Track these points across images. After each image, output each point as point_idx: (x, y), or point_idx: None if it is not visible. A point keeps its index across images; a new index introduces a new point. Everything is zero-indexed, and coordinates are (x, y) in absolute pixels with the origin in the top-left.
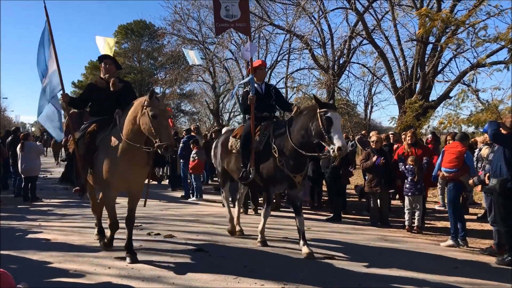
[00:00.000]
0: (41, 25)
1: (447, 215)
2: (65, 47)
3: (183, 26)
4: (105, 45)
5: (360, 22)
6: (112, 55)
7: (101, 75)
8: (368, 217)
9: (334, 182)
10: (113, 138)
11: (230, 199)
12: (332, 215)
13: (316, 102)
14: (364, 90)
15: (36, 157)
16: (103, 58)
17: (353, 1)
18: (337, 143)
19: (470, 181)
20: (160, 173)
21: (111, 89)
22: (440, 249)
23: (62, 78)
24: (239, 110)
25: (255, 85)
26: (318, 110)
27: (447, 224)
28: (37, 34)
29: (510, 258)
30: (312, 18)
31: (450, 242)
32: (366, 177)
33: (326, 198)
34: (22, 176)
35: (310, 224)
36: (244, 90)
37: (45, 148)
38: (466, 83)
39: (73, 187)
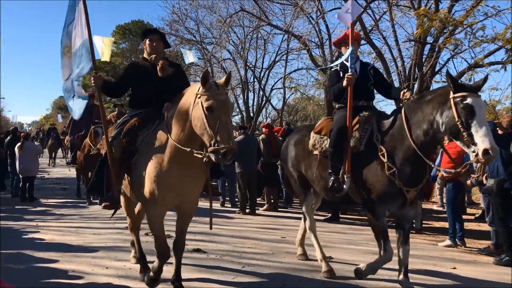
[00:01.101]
0: (41, 26)
1: (445, 215)
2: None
3: (181, 26)
4: (103, 45)
5: (358, 23)
6: (109, 55)
7: (145, 55)
8: (366, 218)
9: None
10: (159, 138)
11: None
12: (330, 215)
13: (451, 82)
14: None
15: (35, 157)
16: (148, 33)
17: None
18: (482, 143)
19: (468, 182)
20: None
21: (159, 74)
22: (438, 249)
23: (60, 78)
24: (237, 110)
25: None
26: (451, 95)
27: (445, 224)
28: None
29: (508, 258)
30: (310, 18)
31: (448, 242)
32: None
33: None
34: (20, 176)
35: None
36: (333, 69)
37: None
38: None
39: (102, 200)
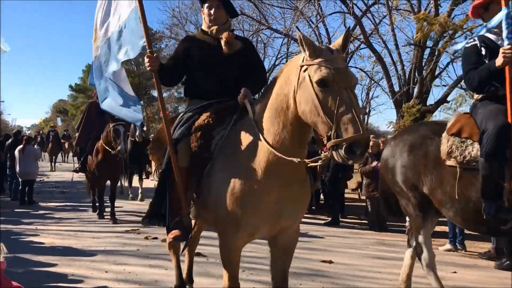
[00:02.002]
0: (41, 26)
1: (445, 219)
2: (63, 50)
3: (181, 29)
4: None
5: (357, 26)
6: None
7: (204, 27)
8: (366, 221)
9: (333, 185)
10: (244, 140)
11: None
12: (329, 219)
13: None
14: (362, 94)
15: (34, 161)
16: None
17: (351, 6)
18: None
19: None
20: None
21: (224, 50)
22: (438, 253)
23: (61, 81)
24: None
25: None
26: None
27: (445, 228)
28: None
29: (508, 262)
30: (310, 22)
31: (448, 246)
32: (364, 182)
33: (322, 201)
34: (20, 180)
35: (308, 228)
36: (469, 44)
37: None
38: (464, 87)
39: (164, 227)
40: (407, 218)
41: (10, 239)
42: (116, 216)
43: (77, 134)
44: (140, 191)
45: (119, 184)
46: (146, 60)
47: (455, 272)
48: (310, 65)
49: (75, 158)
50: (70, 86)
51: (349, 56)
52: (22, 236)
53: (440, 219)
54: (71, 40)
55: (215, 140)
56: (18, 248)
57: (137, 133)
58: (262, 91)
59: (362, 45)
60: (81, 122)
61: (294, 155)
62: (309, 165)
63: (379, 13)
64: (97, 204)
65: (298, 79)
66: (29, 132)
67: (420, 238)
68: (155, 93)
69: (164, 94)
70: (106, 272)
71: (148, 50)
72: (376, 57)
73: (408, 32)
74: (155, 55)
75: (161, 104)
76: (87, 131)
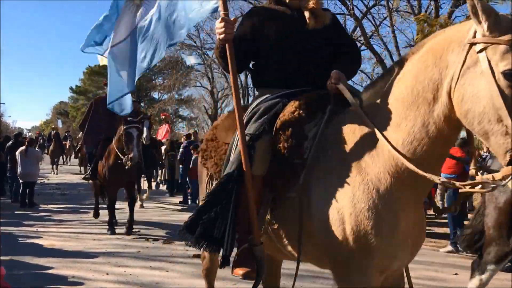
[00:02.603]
0: (41, 28)
1: (446, 221)
2: (63, 52)
3: None
4: None
5: (358, 28)
6: None
7: None
8: None
9: None
10: (350, 139)
11: None
12: None
13: None
14: None
15: (35, 163)
16: None
17: (351, 7)
18: None
19: None
20: (159, 177)
21: (309, 24)
22: (439, 255)
23: (61, 83)
24: None
25: None
26: None
27: (446, 230)
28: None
29: (509, 264)
30: None
31: (449, 248)
32: None
33: None
34: (20, 181)
35: None
36: None
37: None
38: None
39: (215, 253)
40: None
41: (11, 241)
42: (128, 225)
43: (80, 134)
44: (144, 196)
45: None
46: (220, 26)
47: (456, 274)
48: (492, 44)
49: (77, 161)
50: (71, 88)
51: None
52: (22, 238)
53: (440, 220)
54: (72, 41)
55: (308, 140)
56: (19, 250)
57: (144, 135)
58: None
59: (363, 47)
60: (85, 120)
61: (431, 169)
62: (462, 190)
63: (379, 14)
64: (98, 209)
65: (464, 62)
66: (29, 134)
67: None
68: (155, 94)
69: (165, 96)
70: (107, 274)
71: (222, 12)
72: (377, 59)
73: (409, 33)
74: (233, 18)
75: (234, 84)
76: (94, 131)
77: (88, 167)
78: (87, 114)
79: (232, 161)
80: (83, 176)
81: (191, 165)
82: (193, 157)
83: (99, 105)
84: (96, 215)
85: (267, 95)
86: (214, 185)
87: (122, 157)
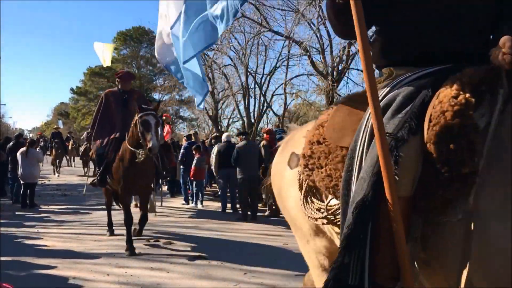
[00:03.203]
0: (43, 28)
1: None
2: (64, 53)
3: None
4: (104, 51)
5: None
6: (110, 61)
7: None
8: None
9: None
10: None
11: None
12: None
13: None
14: None
15: (36, 164)
16: None
17: None
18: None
19: None
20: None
21: None
22: None
23: (62, 84)
24: (238, 116)
25: None
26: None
27: None
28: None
29: None
30: (311, 24)
31: None
32: None
33: None
34: (21, 182)
35: None
36: None
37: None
38: None
39: None
40: None
41: (12, 242)
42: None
43: (85, 134)
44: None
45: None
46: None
47: None
48: None
49: (77, 162)
50: (72, 89)
51: (350, 58)
52: (23, 239)
53: None
54: (73, 42)
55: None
56: (20, 251)
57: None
58: None
59: None
60: (96, 116)
61: None
62: None
63: None
64: (112, 224)
65: None
66: (30, 135)
67: None
68: (155, 95)
69: (165, 97)
70: (108, 275)
71: None
72: None
73: None
74: None
75: (364, 50)
76: (105, 129)
77: (97, 171)
78: (98, 110)
79: (362, 177)
80: (88, 180)
81: (193, 166)
82: (195, 158)
83: (110, 99)
84: (111, 232)
85: (406, 74)
86: (340, 215)
87: (138, 152)
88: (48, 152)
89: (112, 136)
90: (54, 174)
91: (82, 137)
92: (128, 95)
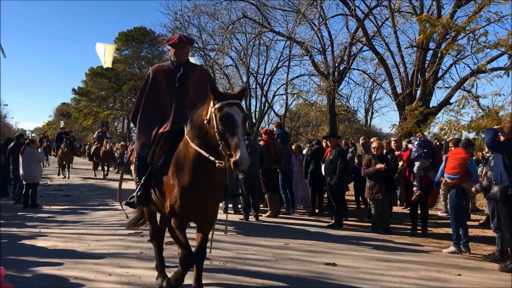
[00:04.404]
0: (44, 29)
1: (449, 221)
2: (65, 54)
3: (183, 33)
4: (106, 51)
5: (360, 29)
6: (111, 62)
7: None
8: (369, 224)
9: (340, 188)
10: None
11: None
12: (333, 221)
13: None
14: (365, 97)
15: (37, 164)
16: None
17: (353, 8)
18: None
19: (473, 189)
20: None
21: None
22: (442, 255)
23: (64, 85)
24: None
25: None
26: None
27: (449, 230)
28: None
29: (509, 264)
30: (312, 24)
31: (452, 248)
32: (367, 184)
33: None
34: (23, 183)
35: (311, 231)
36: None
37: (46, 157)
38: (467, 89)
39: None
40: None
41: (14, 242)
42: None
43: (96, 134)
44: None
45: None
46: None
47: (459, 274)
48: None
49: (81, 162)
50: (74, 90)
51: (351, 58)
52: (25, 239)
53: (442, 221)
54: (75, 43)
55: None
56: (22, 251)
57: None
58: None
59: (365, 47)
60: (138, 104)
61: None
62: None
63: (381, 15)
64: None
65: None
66: (32, 135)
67: None
68: None
69: None
70: (110, 275)
71: None
72: (379, 59)
73: (411, 34)
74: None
75: None
76: (154, 117)
77: (136, 182)
78: (141, 93)
79: None
80: (124, 202)
81: None
82: None
83: (159, 77)
84: (163, 278)
85: None
86: None
87: (216, 162)
88: (54, 153)
89: (161, 129)
90: (59, 174)
91: (93, 137)
92: (184, 70)
